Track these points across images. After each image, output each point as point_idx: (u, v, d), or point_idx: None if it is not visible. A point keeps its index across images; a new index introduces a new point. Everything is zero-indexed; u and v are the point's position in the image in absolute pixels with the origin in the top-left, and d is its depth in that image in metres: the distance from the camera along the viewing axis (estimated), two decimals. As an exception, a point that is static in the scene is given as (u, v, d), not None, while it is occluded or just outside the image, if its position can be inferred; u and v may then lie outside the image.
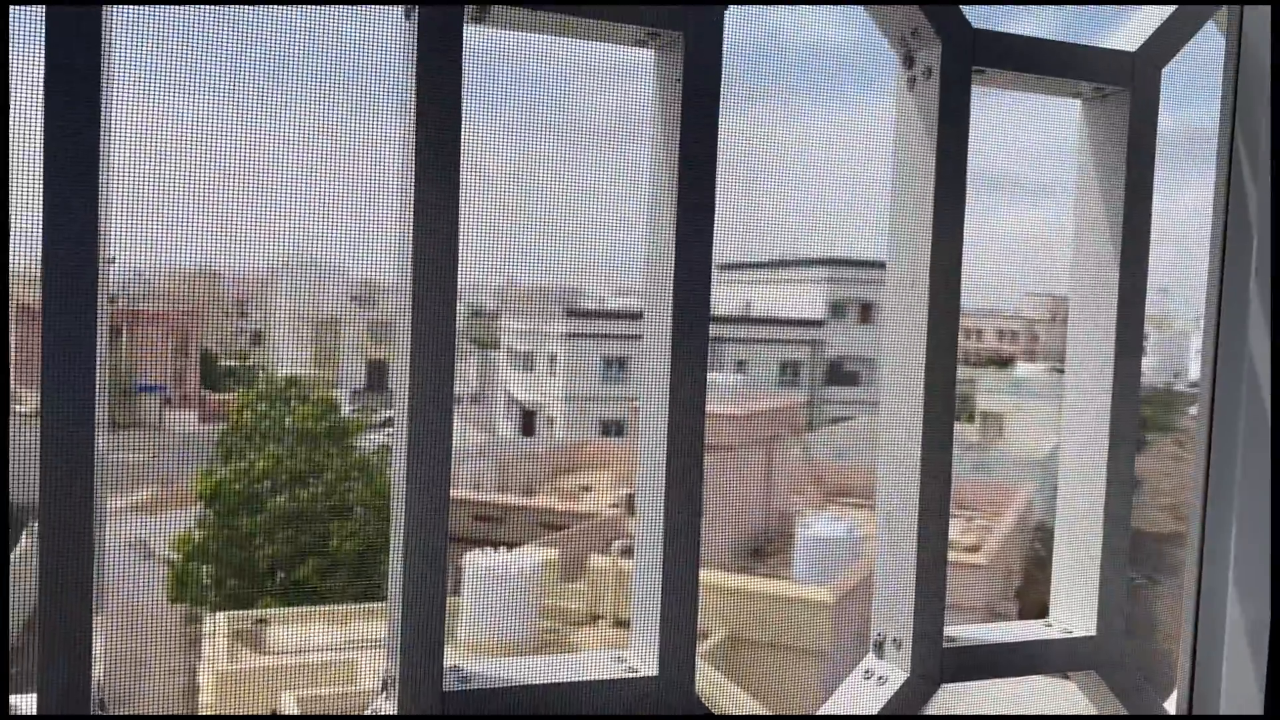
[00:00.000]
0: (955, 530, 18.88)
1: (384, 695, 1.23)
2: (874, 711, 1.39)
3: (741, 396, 20.21)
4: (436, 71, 1.15)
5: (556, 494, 20.36)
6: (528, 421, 25.24)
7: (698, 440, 1.31)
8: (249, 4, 1.43)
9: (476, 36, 1.27)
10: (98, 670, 1.16)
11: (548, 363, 24.66)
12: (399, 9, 1.19)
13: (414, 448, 1.17)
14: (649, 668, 1.30)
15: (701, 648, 14.78)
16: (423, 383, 1.17)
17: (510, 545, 16.19)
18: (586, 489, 20.39)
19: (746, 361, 26.31)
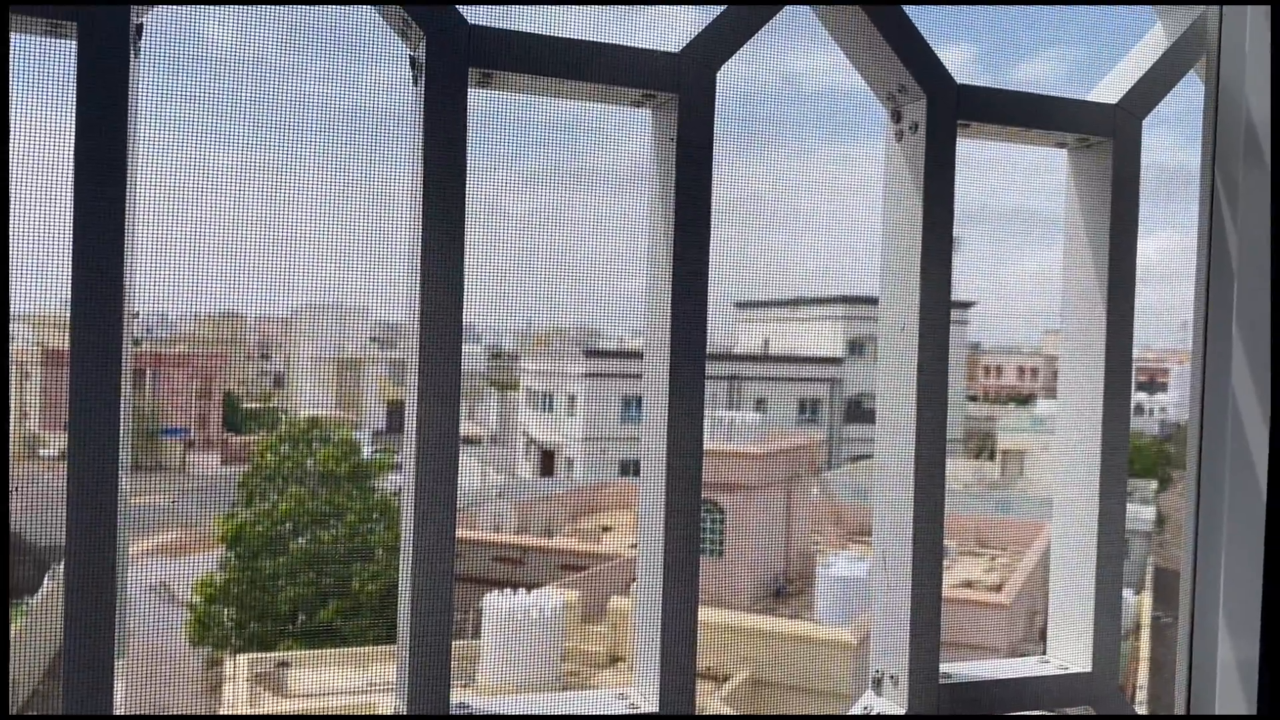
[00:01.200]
0: (978, 570, 18.72)
1: (393, 731, 1.28)
2: (872, 747, 1.42)
3: (761, 435, 20.17)
4: (442, 131, 1.22)
5: (576, 535, 20.34)
6: (547, 462, 25.28)
7: (696, 477, 1.35)
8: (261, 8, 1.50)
9: (484, 98, 1.34)
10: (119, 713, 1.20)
11: (567, 403, 24.73)
12: (408, 73, 1.26)
13: (421, 490, 1.22)
14: (650, 704, 1.34)
15: (724, 690, 14.66)
16: (429, 427, 1.22)
17: (530, 587, 16.16)
18: (606, 529, 20.36)
19: (766, 400, 26.30)
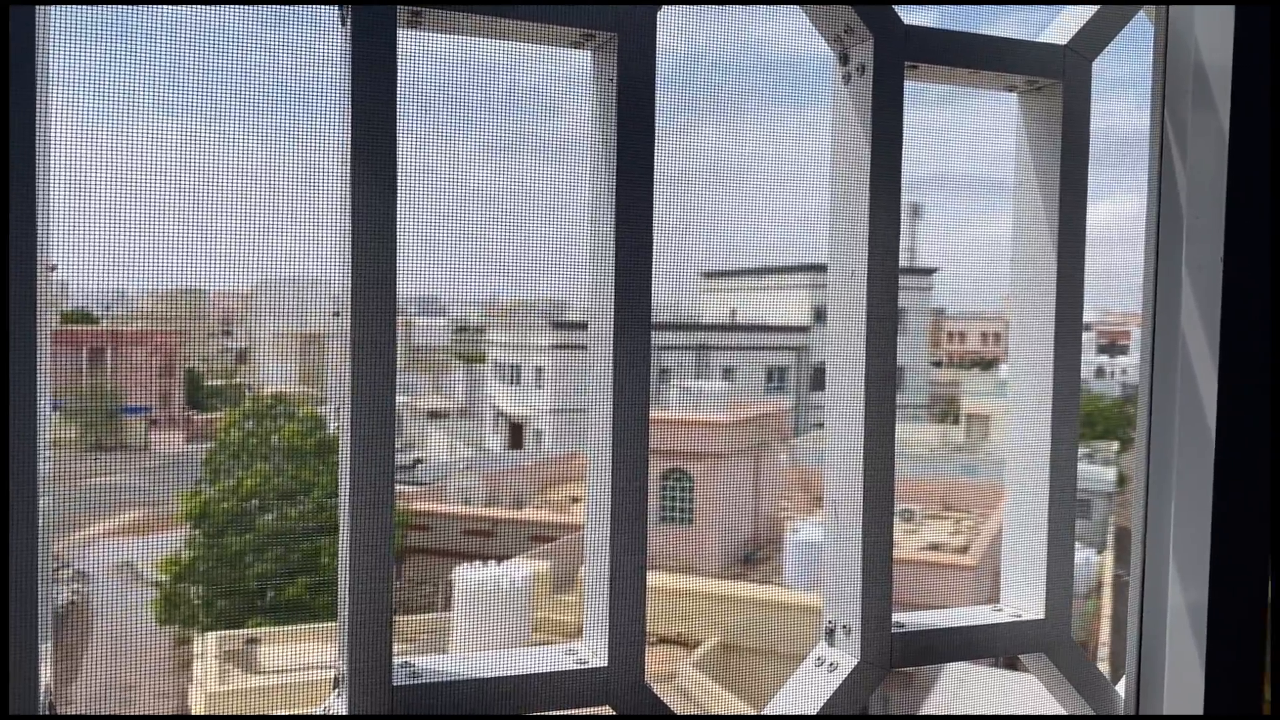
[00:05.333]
0: (944, 532, 18.95)
1: (335, 693, 1.25)
2: (826, 696, 1.41)
3: (729, 403, 20.24)
4: (371, 74, 1.17)
5: (546, 506, 20.35)
6: (515, 434, 25.23)
7: (641, 438, 1.33)
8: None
9: (416, 40, 1.29)
10: (44, 694, 1.17)
11: (534, 375, 24.66)
12: (334, 14, 1.21)
13: (357, 443, 1.19)
14: (599, 659, 1.32)
15: (694, 655, 14.78)
16: (364, 393, 1.19)
17: (500, 558, 16.18)
18: (576, 500, 20.37)
19: (733, 369, 26.36)
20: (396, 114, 1.18)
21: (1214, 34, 1.43)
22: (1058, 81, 1.50)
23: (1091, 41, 1.51)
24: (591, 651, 1.33)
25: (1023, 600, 1.60)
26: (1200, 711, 1.43)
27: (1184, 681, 1.44)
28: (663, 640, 15.02)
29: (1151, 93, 1.52)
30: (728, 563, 18.70)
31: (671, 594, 15.49)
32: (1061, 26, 1.54)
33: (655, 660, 14.35)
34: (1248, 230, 1.40)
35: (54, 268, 1.16)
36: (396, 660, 1.25)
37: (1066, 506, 1.56)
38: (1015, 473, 1.60)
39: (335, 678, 1.25)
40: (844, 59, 1.43)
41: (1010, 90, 1.55)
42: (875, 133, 1.38)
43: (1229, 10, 1.40)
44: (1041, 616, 1.55)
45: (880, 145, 1.38)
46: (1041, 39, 1.53)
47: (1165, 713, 1.49)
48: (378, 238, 1.18)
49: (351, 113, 1.17)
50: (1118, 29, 1.52)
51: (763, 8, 1.56)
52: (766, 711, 1.47)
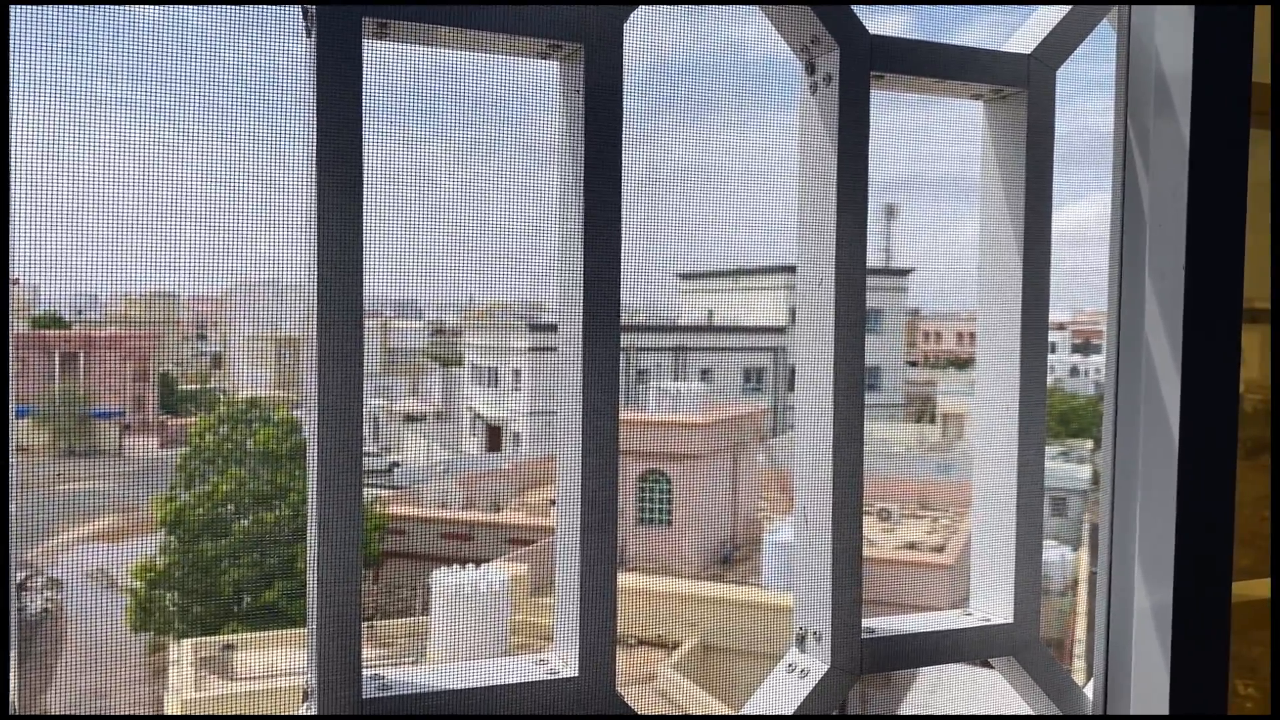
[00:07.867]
0: (921, 531, 19.04)
1: (305, 705, 1.24)
2: (796, 702, 1.41)
3: (707, 404, 20.27)
4: (336, 84, 1.17)
5: (524, 509, 20.28)
6: (493, 437, 25.15)
7: (611, 443, 1.33)
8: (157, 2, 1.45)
9: (384, 51, 1.29)
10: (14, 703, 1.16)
11: (512, 377, 24.59)
12: (301, 26, 1.21)
13: (324, 450, 1.18)
14: (570, 669, 1.32)
15: (673, 656, 14.79)
16: (331, 401, 1.18)
17: (478, 562, 16.11)
18: (554, 503, 20.30)
19: (711, 370, 26.40)
20: (362, 124, 1.18)
21: (1174, 43, 1.45)
22: (1023, 90, 1.52)
23: (1055, 51, 1.53)
24: (563, 661, 1.33)
25: (992, 604, 1.61)
26: (1166, 711, 1.45)
27: (1150, 682, 1.46)
28: (641, 642, 15.02)
29: (1115, 99, 1.54)
30: (706, 564, 18.72)
31: (650, 595, 15.49)
32: (1026, 36, 1.55)
33: (634, 662, 14.35)
34: (1209, 237, 1.42)
35: (16, 282, 1.16)
36: (367, 672, 1.24)
37: (1034, 510, 1.57)
38: (983, 477, 1.62)
39: (305, 690, 1.25)
40: (810, 69, 1.44)
41: (976, 99, 1.57)
42: (841, 143, 1.39)
43: (1189, 20, 1.42)
44: (1010, 620, 1.56)
45: (846, 156, 1.39)
46: (1006, 48, 1.54)
47: (1132, 713, 1.51)
48: (343, 245, 1.18)
49: (316, 123, 1.17)
50: (1081, 38, 1.54)
51: (734, 15, 1.57)
52: (743, 713, 1.48)
